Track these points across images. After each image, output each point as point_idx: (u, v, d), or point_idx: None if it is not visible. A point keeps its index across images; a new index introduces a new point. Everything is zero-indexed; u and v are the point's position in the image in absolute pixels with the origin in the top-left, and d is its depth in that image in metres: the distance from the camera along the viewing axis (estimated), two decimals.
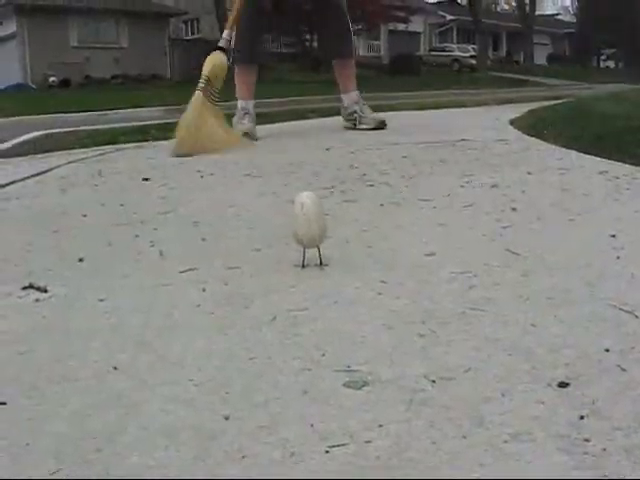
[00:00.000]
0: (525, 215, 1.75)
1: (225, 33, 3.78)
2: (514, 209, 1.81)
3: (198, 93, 3.51)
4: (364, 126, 4.04)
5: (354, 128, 4.06)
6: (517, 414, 0.81)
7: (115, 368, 0.99)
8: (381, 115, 4.22)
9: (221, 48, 3.68)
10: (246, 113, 4.01)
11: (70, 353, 1.05)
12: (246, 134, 3.74)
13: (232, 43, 3.82)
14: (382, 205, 1.93)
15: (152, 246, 1.63)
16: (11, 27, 25.51)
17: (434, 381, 0.90)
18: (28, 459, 0.77)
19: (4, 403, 0.90)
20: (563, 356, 0.96)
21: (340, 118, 4.25)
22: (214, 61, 3.64)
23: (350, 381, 0.91)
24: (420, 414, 0.82)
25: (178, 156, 3.16)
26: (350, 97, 4.16)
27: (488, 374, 0.91)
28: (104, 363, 1.01)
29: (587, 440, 0.75)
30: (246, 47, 4.05)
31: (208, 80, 3.54)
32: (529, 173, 2.30)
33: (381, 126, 4.00)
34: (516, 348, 0.99)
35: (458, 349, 0.99)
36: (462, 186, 2.13)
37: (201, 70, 3.73)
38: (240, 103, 4.07)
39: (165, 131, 4.86)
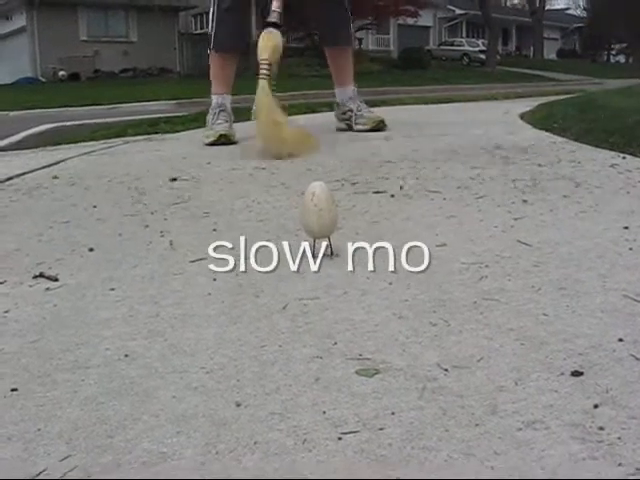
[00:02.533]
0: (537, 207, 1.74)
1: (274, 4, 3.04)
2: (525, 201, 1.80)
3: (264, 82, 2.90)
4: (360, 127, 3.50)
5: (349, 129, 3.54)
6: (531, 403, 0.81)
7: (126, 356, 0.99)
8: (380, 114, 3.72)
9: (274, 24, 2.99)
10: (222, 110, 3.44)
11: (81, 341, 1.05)
12: (223, 136, 3.25)
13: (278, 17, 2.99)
14: (392, 197, 1.93)
15: (162, 236, 1.63)
16: (21, 21, 25.57)
17: (447, 370, 0.90)
18: (39, 444, 0.77)
19: (15, 389, 0.90)
20: (576, 346, 0.95)
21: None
22: (274, 41, 2.96)
23: (362, 369, 0.91)
24: (433, 402, 0.82)
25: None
26: (345, 92, 3.62)
27: (501, 363, 0.91)
28: (115, 351, 1.01)
29: (601, 428, 0.75)
30: (226, 31, 3.44)
31: (270, 66, 2.91)
32: (540, 165, 2.29)
33: (380, 126, 3.50)
34: (529, 338, 0.98)
35: (470, 338, 0.99)
36: (472, 178, 2.12)
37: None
38: (215, 99, 3.49)
39: (174, 124, 4.87)
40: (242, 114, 3.89)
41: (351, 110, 3.57)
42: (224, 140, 3.24)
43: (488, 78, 22.89)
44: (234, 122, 3.49)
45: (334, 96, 3.73)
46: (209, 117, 3.46)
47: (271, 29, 2.97)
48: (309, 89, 13.97)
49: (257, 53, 2.93)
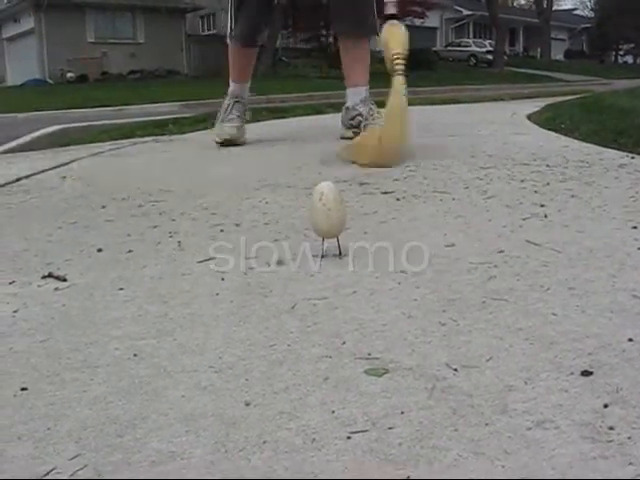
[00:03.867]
0: (545, 207, 1.73)
1: None
2: (534, 202, 1.80)
3: (400, 79, 2.54)
4: None
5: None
6: (540, 402, 0.80)
7: (135, 355, 0.99)
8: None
9: (393, 15, 2.68)
10: (237, 102, 3.36)
11: (90, 341, 1.05)
12: (227, 140, 3.23)
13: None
14: (400, 197, 1.92)
15: (171, 237, 1.63)
16: (29, 23, 25.70)
17: (456, 369, 0.89)
18: (49, 443, 0.77)
19: (25, 389, 0.90)
20: (586, 345, 0.95)
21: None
22: (402, 33, 2.63)
23: (371, 368, 0.91)
24: (442, 401, 0.81)
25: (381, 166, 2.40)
26: (357, 93, 3.18)
27: (510, 363, 0.91)
28: (124, 351, 1.01)
29: (612, 428, 0.74)
30: (249, 25, 3.31)
31: (405, 61, 2.57)
32: (548, 166, 2.28)
33: None
34: (538, 337, 0.98)
35: (480, 338, 0.99)
36: (480, 179, 2.12)
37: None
38: (232, 86, 3.41)
39: (181, 125, 4.89)
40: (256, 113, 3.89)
41: (361, 115, 3.14)
42: (230, 143, 3.24)
43: (495, 79, 22.87)
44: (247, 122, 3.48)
45: (343, 98, 3.41)
46: (223, 107, 3.40)
47: (393, 21, 2.66)
48: (315, 90, 13.97)
49: (384, 48, 2.61)
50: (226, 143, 3.24)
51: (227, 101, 3.41)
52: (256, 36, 3.38)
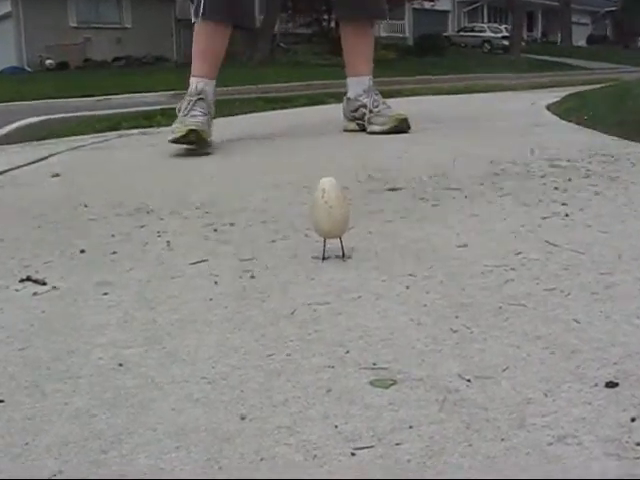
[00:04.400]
0: (567, 206, 1.73)
1: None
2: (554, 199, 1.80)
3: None
4: (377, 128, 3.05)
5: (361, 130, 3.14)
6: (561, 415, 0.80)
7: (121, 365, 0.99)
8: (401, 110, 3.24)
9: None
10: (200, 99, 2.95)
11: (72, 349, 1.05)
12: (192, 132, 2.75)
13: None
14: (409, 194, 1.93)
15: (159, 237, 1.63)
16: (5, 7, 25.70)
17: (469, 380, 0.89)
18: (28, 459, 0.77)
19: (2, 401, 0.90)
20: (610, 354, 0.95)
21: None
22: None
23: (377, 379, 0.91)
24: (454, 415, 0.81)
25: None
26: (360, 83, 3.16)
27: (528, 373, 0.91)
28: (109, 360, 1.01)
29: (639, 444, 0.74)
30: None
31: None
32: (569, 161, 2.28)
33: (402, 127, 3.04)
34: (559, 346, 0.98)
35: (495, 346, 0.99)
36: (497, 174, 2.12)
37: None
38: (194, 83, 3.00)
39: (170, 117, 4.88)
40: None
41: (365, 106, 3.14)
42: (194, 138, 2.77)
43: (512, 67, 22.87)
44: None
45: (345, 87, 3.39)
46: (181, 104, 2.99)
47: None
48: (316, 79, 13.98)
49: None
50: (189, 137, 2.78)
51: (186, 99, 3.00)
52: (233, 10, 3.04)
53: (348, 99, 3.25)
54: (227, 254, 1.47)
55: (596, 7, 48.84)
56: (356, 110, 3.19)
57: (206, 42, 3.04)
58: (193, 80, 3.01)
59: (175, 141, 2.80)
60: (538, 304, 1.13)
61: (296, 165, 2.49)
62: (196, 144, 2.78)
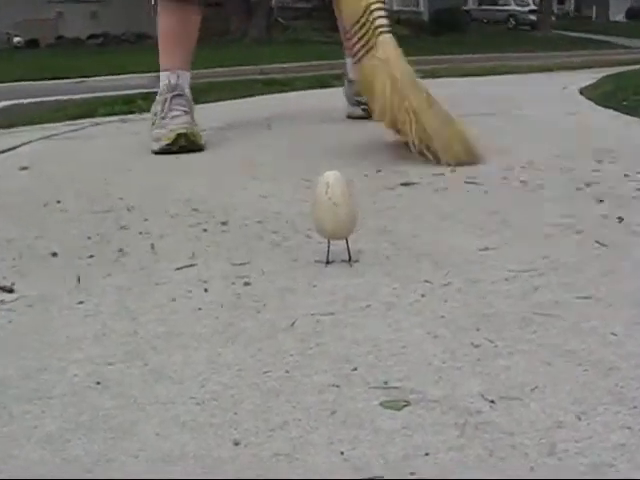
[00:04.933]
0: (603, 203, 1.73)
1: None
2: (587, 194, 1.80)
3: (388, 41, 2.33)
4: None
5: (365, 117, 2.97)
6: (597, 441, 0.80)
7: (98, 383, 0.99)
8: None
9: None
10: (177, 95, 2.77)
11: (43, 366, 1.05)
12: (181, 136, 2.61)
13: None
14: (423, 189, 1.93)
15: (142, 238, 1.63)
16: None
17: (493, 401, 0.89)
18: None
19: None
20: None
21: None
22: None
23: (388, 400, 0.91)
24: (476, 440, 0.82)
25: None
26: None
27: (560, 393, 0.91)
28: (85, 378, 1.01)
29: None
30: None
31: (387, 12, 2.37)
32: (607, 151, 2.28)
33: None
34: (594, 362, 0.98)
35: (521, 362, 0.99)
36: (523, 167, 2.12)
37: None
38: (165, 78, 2.82)
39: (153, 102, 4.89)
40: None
41: None
42: (184, 142, 2.63)
43: (540, 45, 22.84)
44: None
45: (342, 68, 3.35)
46: (156, 107, 2.81)
47: None
48: (318, 58, 13.98)
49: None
50: (179, 142, 2.64)
51: (160, 98, 2.83)
52: None
53: (349, 81, 3.19)
54: (218, 257, 1.48)
55: None
56: (358, 94, 3.06)
57: (175, 26, 2.86)
58: (164, 75, 2.84)
59: (163, 151, 2.65)
60: (570, 314, 1.13)
61: (296, 157, 2.49)
62: (188, 149, 2.65)
